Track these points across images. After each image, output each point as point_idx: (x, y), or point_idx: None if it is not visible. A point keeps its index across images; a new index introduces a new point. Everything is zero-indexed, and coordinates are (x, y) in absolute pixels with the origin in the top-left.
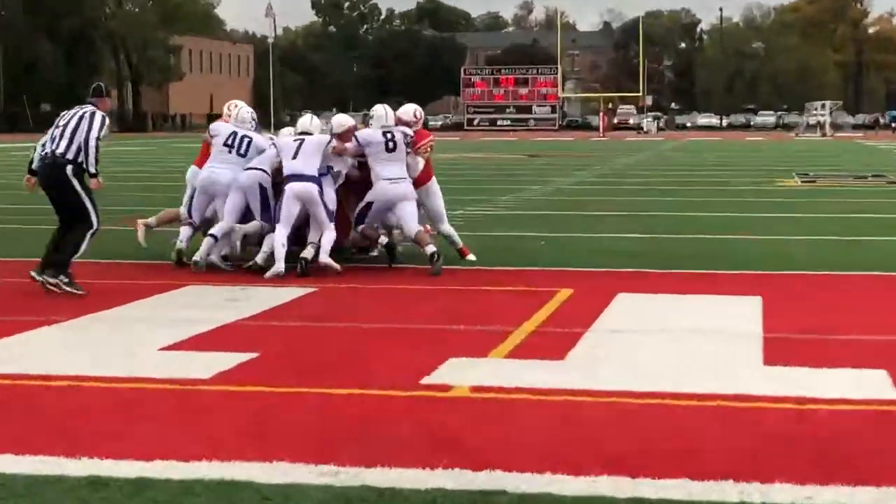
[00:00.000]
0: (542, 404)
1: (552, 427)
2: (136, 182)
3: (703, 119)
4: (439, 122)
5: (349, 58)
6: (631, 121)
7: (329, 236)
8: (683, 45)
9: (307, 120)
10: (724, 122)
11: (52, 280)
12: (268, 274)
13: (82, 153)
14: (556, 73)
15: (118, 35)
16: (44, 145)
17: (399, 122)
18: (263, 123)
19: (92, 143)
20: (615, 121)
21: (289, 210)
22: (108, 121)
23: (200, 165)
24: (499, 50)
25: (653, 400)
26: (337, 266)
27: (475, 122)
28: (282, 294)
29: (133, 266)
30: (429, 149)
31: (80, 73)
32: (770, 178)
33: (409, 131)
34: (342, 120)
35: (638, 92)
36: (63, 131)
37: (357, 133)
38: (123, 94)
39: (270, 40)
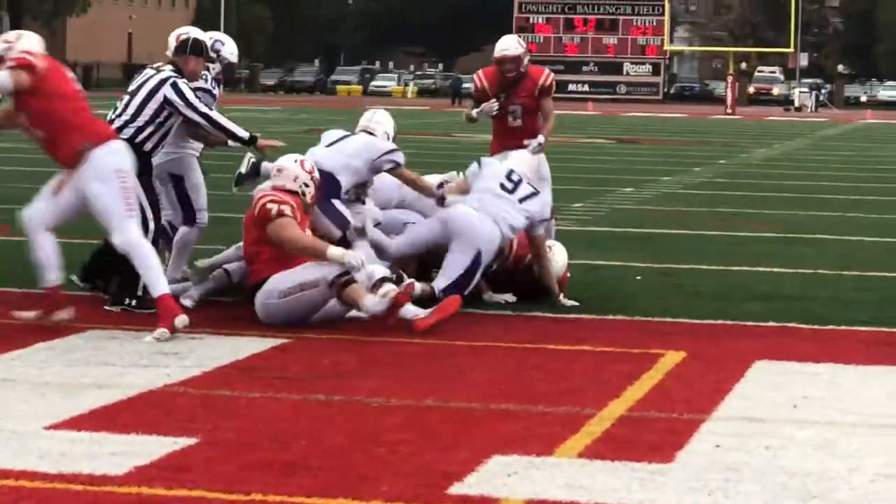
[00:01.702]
0: None
1: None
2: (11, 168)
3: (888, 91)
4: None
5: None
6: (775, 90)
7: None
8: None
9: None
10: None
11: (114, 308)
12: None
13: (144, 134)
14: (663, 14)
15: None
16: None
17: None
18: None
19: (205, 110)
20: (751, 90)
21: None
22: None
23: None
24: None
25: None
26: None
27: None
28: (234, 347)
29: (5, 294)
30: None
31: None
32: None
33: None
34: None
35: (787, 47)
36: (128, 102)
37: None
38: None
39: None
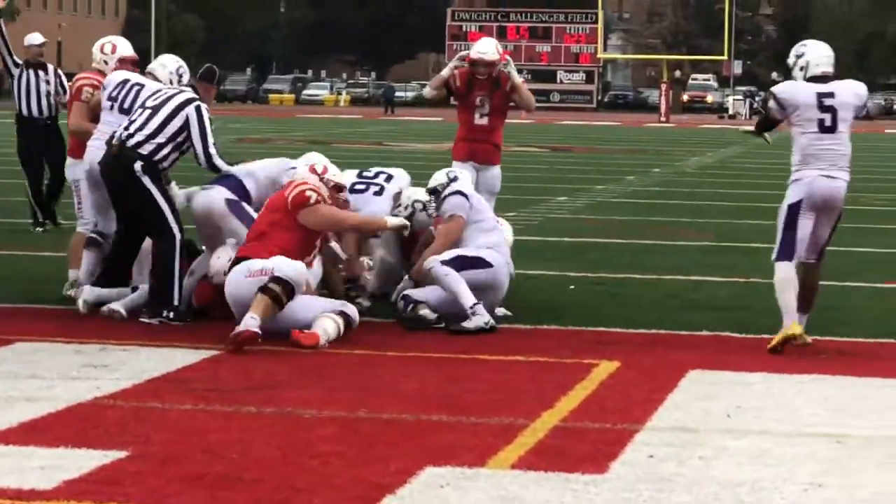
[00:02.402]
0: None
1: None
2: None
3: None
4: (411, 95)
5: None
6: (709, 98)
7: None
8: None
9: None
10: None
11: (153, 321)
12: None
13: (163, 152)
14: (596, 22)
15: None
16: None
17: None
18: None
19: (212, 150)
20: (684, 98)
21: None
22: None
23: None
24: None
25: None
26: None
27: None
28: (165, 359)
29: None
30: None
31: None
32: None
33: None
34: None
35: (721, 54)
36: (150, 117)
37: None
38: None
39: None
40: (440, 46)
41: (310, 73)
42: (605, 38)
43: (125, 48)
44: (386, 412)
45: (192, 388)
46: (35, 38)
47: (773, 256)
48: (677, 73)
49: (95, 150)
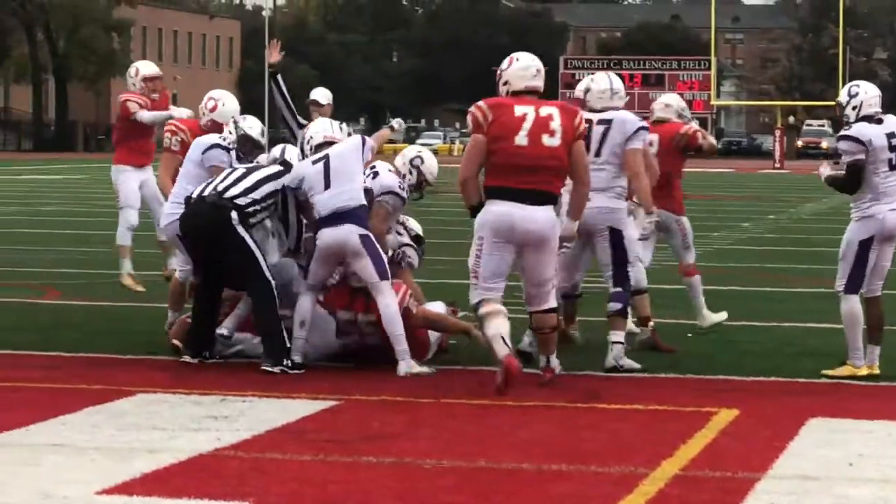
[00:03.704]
0: None
1: None
2: (58, 231)
3: None
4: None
5: (386, 42)
6: (824, 144)
7: (392, 304)
8: None
9: (326, 125)
10: None
11: (275, 370)
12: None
13: (256, 209)
14: (709, 69)
15: (34, 3)
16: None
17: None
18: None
19: (291, 222)
20: (799, 143)
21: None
22: None
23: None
24: (618, 32)
25: None
26: (427, 370)
27: None
28: (284, 409)
29: (50, 358)
30: None
31: None
32: None
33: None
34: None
35: (835, 99)
36: (245, 175)
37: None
38: (42, 94)
39: (267, 13)
40: (553, 94)
41: (423, 122)
42: (717, 85)
43: (222, 114)
44: (505, 462)
45: (311, 438)
46: (322, 94)
47: (841, 289)
48: (791, 119)
49: (173, 216)
